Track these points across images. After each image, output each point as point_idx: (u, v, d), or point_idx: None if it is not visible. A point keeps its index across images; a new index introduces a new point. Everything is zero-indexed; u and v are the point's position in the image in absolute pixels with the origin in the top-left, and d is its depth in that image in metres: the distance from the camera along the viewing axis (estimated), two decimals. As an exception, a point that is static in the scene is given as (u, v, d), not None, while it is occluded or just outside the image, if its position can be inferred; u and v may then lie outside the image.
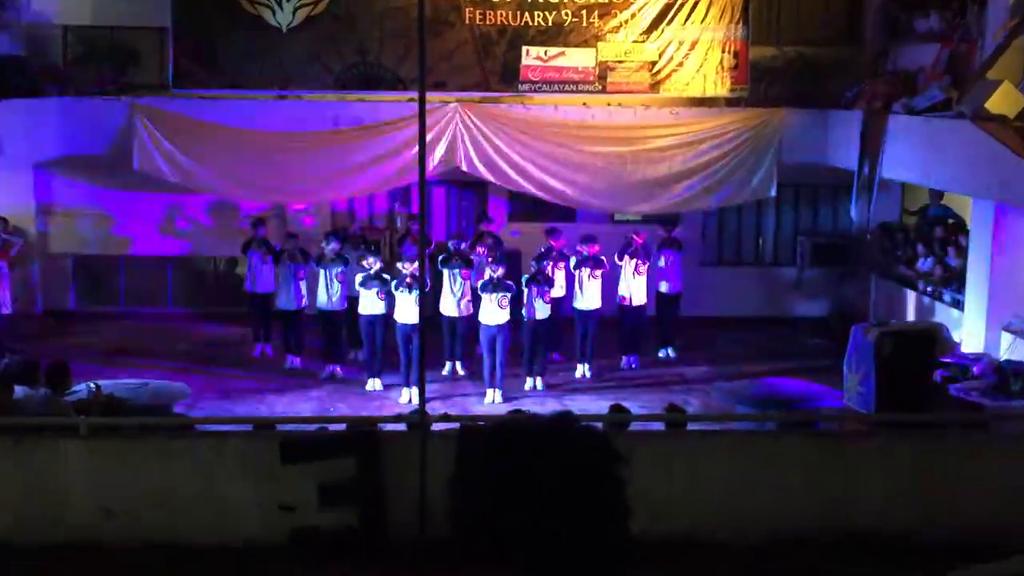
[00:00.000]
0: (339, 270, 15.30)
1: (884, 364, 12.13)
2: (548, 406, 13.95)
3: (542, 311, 14.91)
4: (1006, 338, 13.43)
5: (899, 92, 16.12)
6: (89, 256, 18.87)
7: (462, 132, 16.95)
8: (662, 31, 17.45)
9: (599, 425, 9.77)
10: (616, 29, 17.43)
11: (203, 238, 18.78)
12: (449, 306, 15.40)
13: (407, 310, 14.32)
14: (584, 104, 17.55)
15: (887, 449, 9.50)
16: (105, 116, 16.87)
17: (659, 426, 10.60)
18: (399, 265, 14.95)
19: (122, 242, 18.73)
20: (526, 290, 14.86)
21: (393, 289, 14.55)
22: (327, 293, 15.36)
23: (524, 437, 1.77)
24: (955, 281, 15.37)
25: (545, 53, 17.44)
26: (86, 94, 17.16)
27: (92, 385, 10.66)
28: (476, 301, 15.13)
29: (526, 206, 18.39)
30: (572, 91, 17.56)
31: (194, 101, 17.14)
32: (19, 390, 9.59)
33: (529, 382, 15.03)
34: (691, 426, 10.35)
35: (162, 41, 17.59)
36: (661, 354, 16.66)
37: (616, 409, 10.34)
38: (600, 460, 1.76)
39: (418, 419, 9.37)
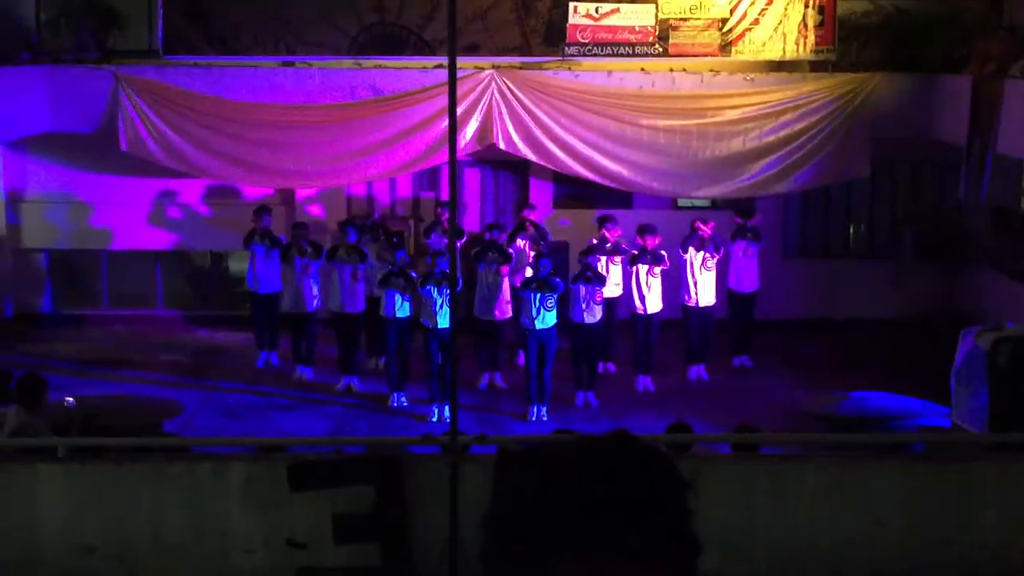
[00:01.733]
0: (356, 266, 15.36)
1: (1000, 375, 12.00)
2: (601, 425, 13.94)
3: (593, 314, 14.90)
4: None
5: (1017, 52, 15.95)
6: (66, 251, 19.06)
7: (499, 103, 16.97)
8: (734, -18, 17.41)
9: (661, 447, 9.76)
10: (680, -19, 17.40)
11: (198, 229, 18.91)
12: (485, 308, 15.42)
13: (437, 313, 14.36)
14: (642, 70, 17.51)
15: (1004, 474, 9.41)
16: (85, 88, 17.04)
17: (728, 448, 10.57)
18: (427, 260, 14.99)
19: (104, 235, 18.91)
20: (574, 289, 14.85)
21: (420, 288, 14.60)
22: (342, 293, 15.43)
23: (572, 462, 1.76)
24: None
25: (596, 10, 17.42)
26: (62, 62, 17.33)
27: (70, 400, 10.76)
28: (517, 302, 15.14)
29: (574, 190, 18.38)
30: (628, 55, 17.53)
31: (187, 70, 17.27)
32: (-14, 406, 9.70)
33: (579, 397, 15.03)
34: (770, 449, 10.30)
35: (150, 1, 17.72)
36: (735, 363, 16.60)
37: (678, 427, 10.31)
38: (664, 488, 1.76)
39: (449, 441, 9.38)
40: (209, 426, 13.96)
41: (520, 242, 16.08)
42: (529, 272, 15.00)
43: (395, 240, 16.16)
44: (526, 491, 1.76)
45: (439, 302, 14.33)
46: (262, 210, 16.74)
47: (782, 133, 17.23)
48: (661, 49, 17.54)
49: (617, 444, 1.80)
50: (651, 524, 1.73)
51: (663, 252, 15.51)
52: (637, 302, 15.57)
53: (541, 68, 17.49)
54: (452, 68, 9.17)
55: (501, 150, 17.18)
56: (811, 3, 17.48)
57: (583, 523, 1.71)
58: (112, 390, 14.33)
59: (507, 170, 18.81)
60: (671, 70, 17.54)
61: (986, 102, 15.57)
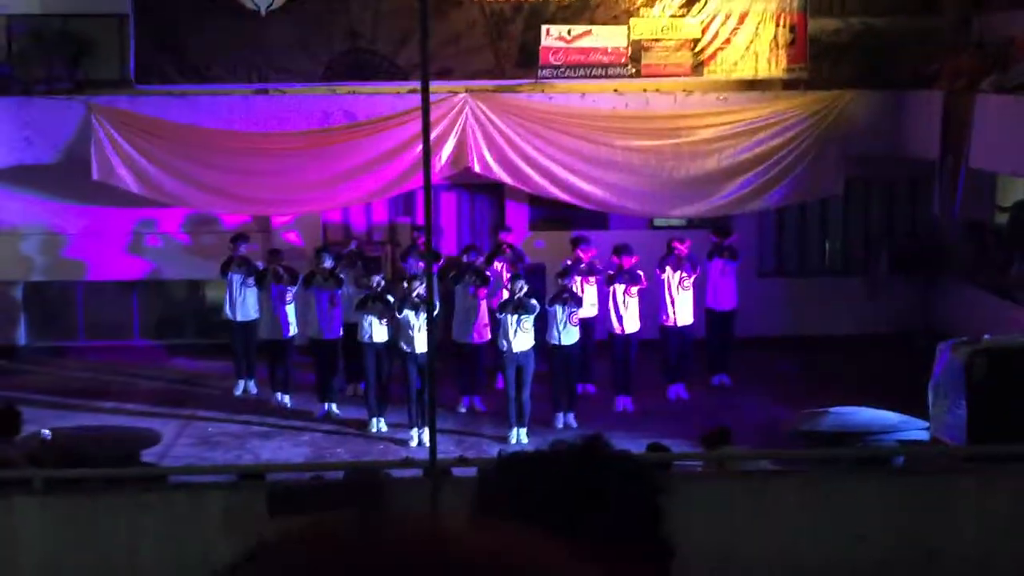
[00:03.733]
0: (333, 292, 15.34)
1: (977, 388, 12.04)
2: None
3: (570, 335, 14.89)
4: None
5: (987, 68, 16.07)
6: (40, 283, 18.96)
7: (473, 127, 16.99)
8: (705, 3, 17.48)
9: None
10: (651, 2, 17.48)
11: (175, 259, 18.83)
12: (463, 331, 15.40)
13: (414, 337, 14.33)
14: (616, 91, 17.58)
15: (984, 487, 9.42)
16: (57, 118, 17.00)
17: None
18: (403, 284, 14.97)
19: (79, 266, 18.82)
20: (551, 311, 14.85)
21: (397, 313, 14.57)
22: (319, 320, 15.40)
23: (546, 469, 1.77)
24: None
25: (569, 32, 17.48)
26: (35, 93, 17.29)
27: (47, 432, 10.69)
28: (495, 325, 15.13)
29: (550, 212, 18.40)
30: (601, 76, 17.59)
31: (160, 98, 17.25)
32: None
33: (559, 419, 15.01)
34: (751, 466, 10.31)
35: (122, 30, 17.72)
36: (714, 382, 16.62)
37: (655, 449, 10.33)
38: (638, 490, 1.76)
39: (429, 465, 9.35)
40: (187, 455, 13.89)
41: (497, 264, 16.08)
42: (506, 294, 14.99)
43: (372, 265, 16.16)
44: (491, 489, 1.76)
45: (417, 326, 14.30)
46: (239, 238, 16.69)
47: (756, 151, 17.30)
48: (634, 70, 17.60)
49: (590, 449, 1.80)
50: (604, 516, 1.73)
51: (640, 272, 15.52)
52: (615, 322, 15.58)
53: (515, 91, 17.54)
54: (425, 92, 9.19)
55: (476, 173, 17.20)
56: (782, 22, 17.57)
57: (555, 528, 1.71)
58: (89, 421, 14.24)
59: (483, 193, 18.82)
60: (644, 91, 17.61)
61: (957, 117, 15.68)
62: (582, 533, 1.69)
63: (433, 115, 10.38)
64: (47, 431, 11.35)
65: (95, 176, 16.90)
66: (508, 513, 1.74)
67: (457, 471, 9.89)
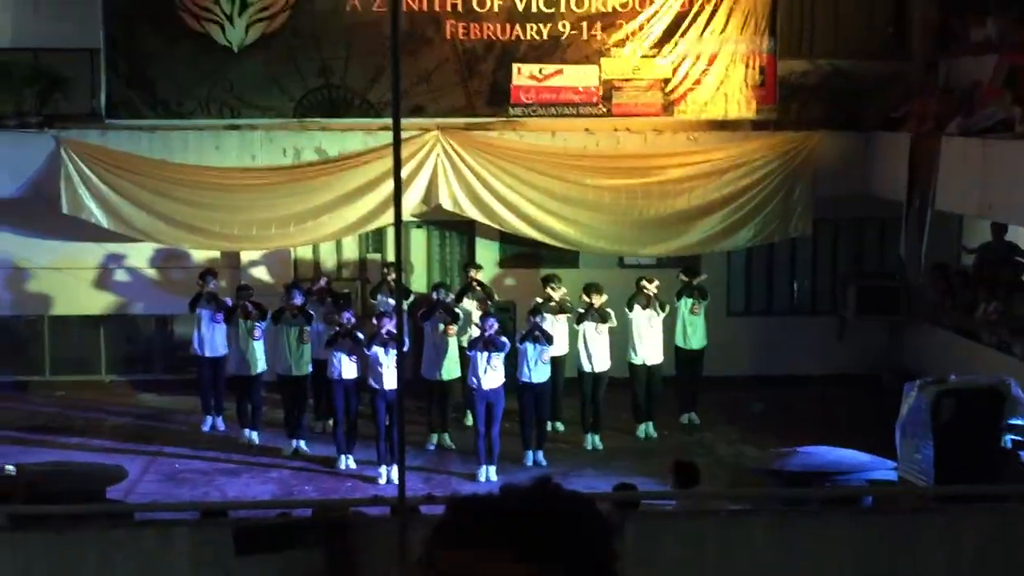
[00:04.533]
0: (303, 328, 15.32)
1: (944, 428, 12.12)
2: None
3: (541, 373, 14.91)
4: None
5: (953, 111, 16.26)
6: (5, 317, 18.84)
7: (444, 164, 17.06)
8: (676, 44, 17.62)
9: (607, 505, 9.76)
10: (622, 42, 17.61)
11: (143, 293, 18.77)
12: (433, 368, 15.39)
13: (384, 374, 14.32)
14: (586, 130, 17.68)
15: (951, 528, 9.47)
16: (26, 152, 16.96)
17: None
18: (373, 321, 14.96)
19: (45, 300, 18.72)
20: (521, 349, 14.87)
21: (366, 349, 14.56)
22: (288, 356, 15.36)
23: (496, 511, 1.78)
24: (1025, 330, 15.41)
25: (540, 71, 17.59)
26: (4, 127, 17.25)
27: (11, 468, 10.62)
28: (464, 362, 15.13)
29: (520, 250, 18.45)
30: (572, 115, 17.70)
31: (131, 133, 17.24)
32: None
33: (529, 457, 15.01)
34: (718, 505, 10.33)
35: (93, 65, 17.71)
36: (683, 420, 16.65)
37: (622, 488, 10.34)
38: (588, 531, 1.76)
39: (398, 502, 9.33)
40: (154, 492, 13.80)
41: (467, 302, 16.10)
42: (476, 332, 15.00)
43: (342, 302, 16.15)
44: (444, 531, 1.78)
45: (386, 363, 14.29)
46: (208, 273, 16.65)
47: (726, 191, 17.42)
48: (605, 109, 17.71)
49: (539, 492, 1.82)
50: (553, 555, 1.74)
51: (609, 310, 15.58)
52: (584, 360, 15.61)
53: (486, 129, 17.61)
54: (396, 130, 9.23)
55: (447, 211, 17.24)
56: (751, 63, 17.73)
57: (483, 549, 1.72)
58: (54, 457, 14.13)
59: (453, 230, 18.84)
60: (615, 130, 17.72)
61: (924, 160, 15.84)
62: (533, 572, 1.70)
63: (404, 152, 10.43)
64: (11, 467, 11.26)
65: (64, 210, 16.87)
66: (457, 555, 1.75)
67: (425, 509, 9.87)
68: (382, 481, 14.26)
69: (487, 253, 18.67)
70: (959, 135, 15.43)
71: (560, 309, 15.80)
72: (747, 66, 17.73)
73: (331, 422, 15.44)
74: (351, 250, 18.93)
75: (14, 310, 18.80)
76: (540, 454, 15.04)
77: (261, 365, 15.88)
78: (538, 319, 15.17)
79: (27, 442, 15.46)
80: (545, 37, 17.58)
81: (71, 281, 18.63)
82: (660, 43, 17.65)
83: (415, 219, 17.88)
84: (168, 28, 17.27)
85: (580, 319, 15.57)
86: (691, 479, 10.19)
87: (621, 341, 15.95)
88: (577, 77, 17.61)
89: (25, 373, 18.77)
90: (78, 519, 9.62)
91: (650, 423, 16.17)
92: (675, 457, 12.19)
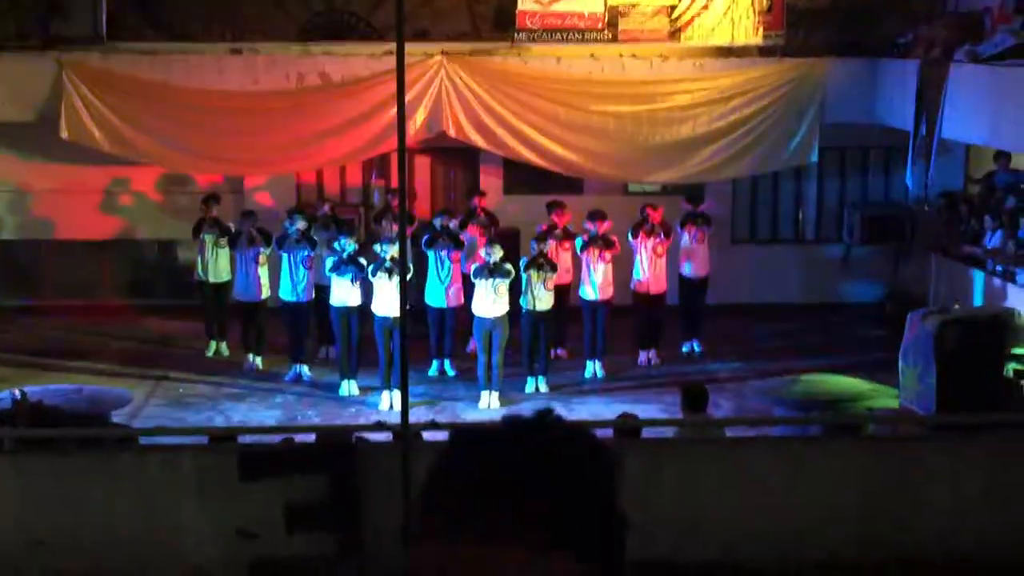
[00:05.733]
0: (305, 254, 15.31)
1: (947, 357, 12.15)
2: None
3: (544, 300, 14.93)
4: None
5: (962, 37, 16.10)
6: (9, 241, 18.84)
7: (448, 90, 16.94)
8: (682, -31, 17.45)
9: (610, 432, 9.82)
10: (628, -33, 17.42)
11: (147, 218, 18.76)
12: (436, 295, 15.41)
13: (387, 300, 14.32)
14: (592, 56, 17.53)
15: (952, 456, 9.53)
16: (26, 75, 16.84)
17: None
18: (376, 247, 14.95)
19: (48, 224, 18.71)
20: (525, 276, 14.87)
21: (370, 275, 14.56)
22: (291, 281, 15.37)
23: (493, 443, 1.73)
24: (1029, 259, 15.39)
25: (545, -4, 17.42)
26: (3, 48, 17.12)
27: (17, 392, 10.66)
28: (468, 289, 15.14)
29: (524, 177, 18.38)
30: (577, 40, 17.54)
31: (132, 56, 17.10)
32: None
33: (531, 383, 15.06)
34: (724, 432, 10.39)
35: (94, -14, 17.55)
36: (685, 349, 16.69)
37: (625, 418, 10.39)
38: (588, 465, 1.73)
39: (400, 428, 9.38)
40: (158, 416, 13.87)
41: (471, 229, 16.07)
42: (481, 258, 14.99)
43: (345, 228, 16.11)
44: (442, 477, 1.72)
45: (389, 289, 14.28)
46: (211, 199, 16.63)
47: (731, 118, 17.32)
48: (610, 35, 17.56)
49: (540, 423, 1.76)
50: (532, 508, 1.66)
51: (613, 237, 15.56)
52: (587, 288, 15.62)
53: (490, 55, 17.47)
54: (400, 54, 9.16)
55: (451, 137, 17.16)
56: (759, -12, 17.56)
57: (501, 504, 1.67)
58: (59, 381, 14.19)
59: (457, 157, 18.78)
60: (620, 56, 17.57)
61: (931, 87, 15.72)
62: (530, 510, 1.66)
63: (408, 77, 10.34)
64: (16, 391, 11.31)
65: (64, 135, 16.76)
66: (458, 489, 1.70)
67: (428, 435, 9.94)
68: (384, 407, 14.33)
69: (491, 180, 18.62)
70: (968, 62, 15.30)
71: (564, 236, 15.77)
72: (755, -9, 17.55)
73: (334, 348, 15.47)
74: (355, 176, 18.89)
75: (17, 234, 18.80)
76: (543, 380, 15.09)
77: (265, 291, 15.90)
78: (542, 246, 15.14)
79: (31, 366, 15.51)
80: (551, -40, 17.39)
81: (74, 205, 18.61)
82: (667, -33, 17.46)
83: (419, 145, 17.80)
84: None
85: (584, 246, 15.54)
86: (700, 401, 10.23)
87: (625, 269, 15.94)
88: (582, 3, 17.44)
89: (29, 297, 18.80)
90: (84, 443, 9.69)
91: (652, 351, 16.21)
92: (680, 382, 12.26)
